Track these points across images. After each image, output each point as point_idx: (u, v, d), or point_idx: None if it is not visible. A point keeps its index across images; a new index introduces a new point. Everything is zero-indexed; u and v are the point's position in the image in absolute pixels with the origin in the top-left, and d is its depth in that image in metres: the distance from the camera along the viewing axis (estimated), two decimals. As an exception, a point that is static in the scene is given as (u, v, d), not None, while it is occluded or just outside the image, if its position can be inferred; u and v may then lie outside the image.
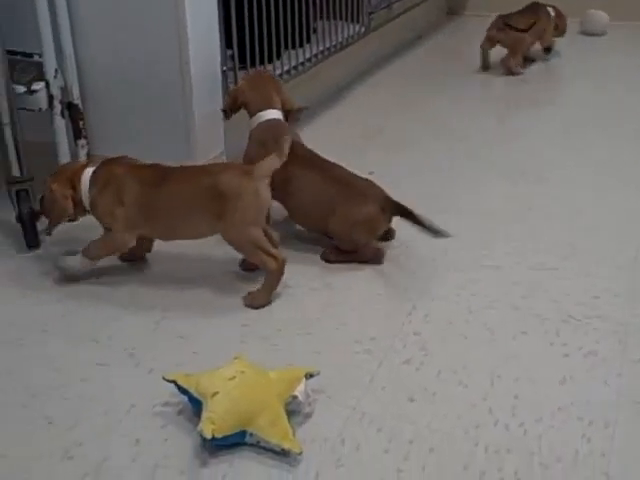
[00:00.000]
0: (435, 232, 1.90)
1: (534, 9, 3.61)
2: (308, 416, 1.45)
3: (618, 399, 1.50)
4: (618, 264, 1.96)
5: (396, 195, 1.97)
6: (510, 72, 3.51)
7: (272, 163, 1.76)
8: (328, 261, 1.97)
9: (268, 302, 1.78)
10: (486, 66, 3.59)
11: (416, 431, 1.42)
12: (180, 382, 1.45)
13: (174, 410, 1.47)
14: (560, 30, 3.71)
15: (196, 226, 1.80)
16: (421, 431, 1.42)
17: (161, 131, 2.20)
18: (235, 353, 1.51)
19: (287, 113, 2.10)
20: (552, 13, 3.64)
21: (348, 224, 1.92)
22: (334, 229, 1.95)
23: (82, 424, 1.45)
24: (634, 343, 1.66)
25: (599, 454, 1.37)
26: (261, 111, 2.05)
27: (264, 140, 2.00)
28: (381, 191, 1.97)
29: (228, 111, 2.12)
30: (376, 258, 1.96)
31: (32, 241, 2.04)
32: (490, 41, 3.53)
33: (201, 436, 1.33)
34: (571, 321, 1.73)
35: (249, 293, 1.79)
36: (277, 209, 2.04)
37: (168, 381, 1.46)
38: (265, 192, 1.76)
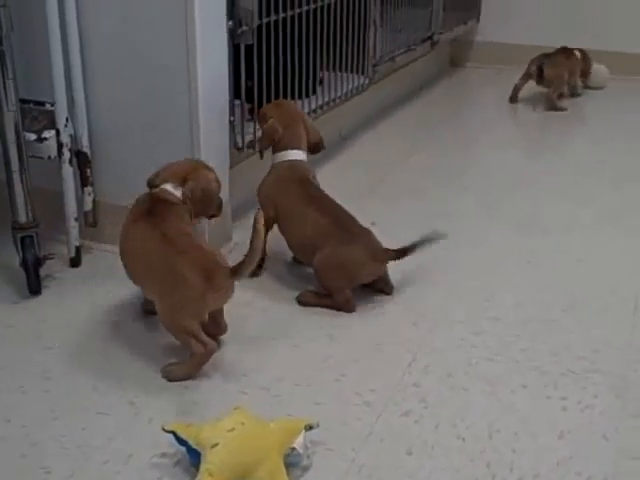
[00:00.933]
0: (431, 239, 1.98)
1: (565, 52, 3.85)
2: (306, 468, 1.45)
3: (616, 454, 1.50)
4: (618, 317, 1.97)
5: (397, 245, 1.99)
6: (554, 107, 3.71)
7: (248, 267, 1.70)
8: (300, 303, 2.00)
9: (187, 377, 1.71)
10: (514, 99, 3.87)
11: (414, 485, 1.42)
12: (179, 433, 1.45)
13: (171, 461, 1.47)
14: (584, 73, 3.94)
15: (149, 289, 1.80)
16: (419, 485, 1.42)
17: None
18: (235, 404, 1.52)
19: (312, 146, 2.22)
20: (579, 56, 3.88)
21: (330, 263, 1.95)
22: (317, 266, 1.97)
23: (79, 474, 1.45)
24: (633, 398, 1.66)
25: (598, 511, 1.36)
26: (289, 149, 2.15)
27: (282, 179, 2.12)
28: (375, 241, 2.00)
29: (263, 150, 2.20)
30: (347, 307, 1.97)
31: (35, 287, 2.06)
32: (526, 77, 3.81)
33: None
34: (570, 375, 1.74)
35: (169, 364, 1.73)
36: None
37: (167, 431, 1.46)
38: (229, 290, 1.73)
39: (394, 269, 2.03)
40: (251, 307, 2.00)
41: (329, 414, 1.60)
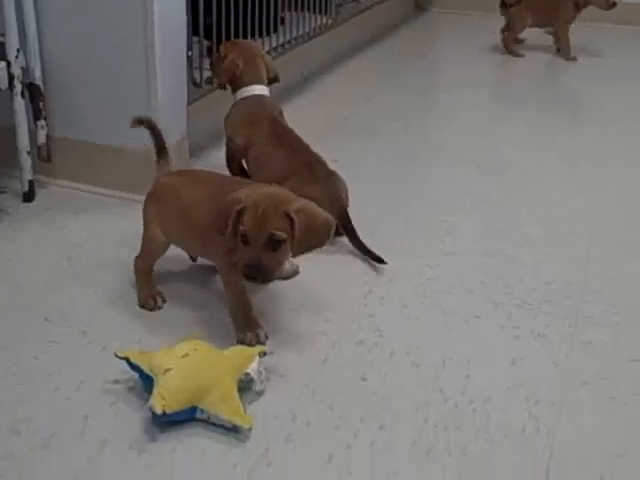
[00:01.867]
0: (373, 257, 1.90)
1: None
2: (260, 394, 1.45)
3: (566, 380, 1.52)
4: (571, 253, 1.99)
5: (359, 185, 1.99)
6: (509, 51, 3.71)
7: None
8: None
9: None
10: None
11: (367, 409, 1.43)
12: (132, 359, 1.44)
13: (124, 387, 1.47)
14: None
15: None
16: (372, 409, 1.43)
17: (123, 115, 2.18)
18: (188, 334, 1.51)
19: (270, 81, 2.21)
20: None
21: None
22: None
23: (30, 401, 1.44)
24: (583, 327, 1.68)
25: (545, 432, 1.39)
26: (252, 84, 2.13)
27: (250, 114, 2.10)
28: (337, 189, 1.98)
29: (224, 85, 2.19)
30: None
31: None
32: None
33: (151, 412, 1.33)
34: (524, 306, 1.75)
35: None
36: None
37: (120, 358, 1.45)
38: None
39: (352, 200, 2.02)
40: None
41: (283, 343, 1.60)
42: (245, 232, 1.47)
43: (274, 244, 1.47)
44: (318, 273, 1.86)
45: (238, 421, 1.35)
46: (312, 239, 1.50)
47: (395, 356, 1.58)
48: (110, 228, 2.04)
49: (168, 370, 1.37)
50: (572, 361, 1.57)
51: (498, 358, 1.58)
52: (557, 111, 3.10)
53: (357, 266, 1.90)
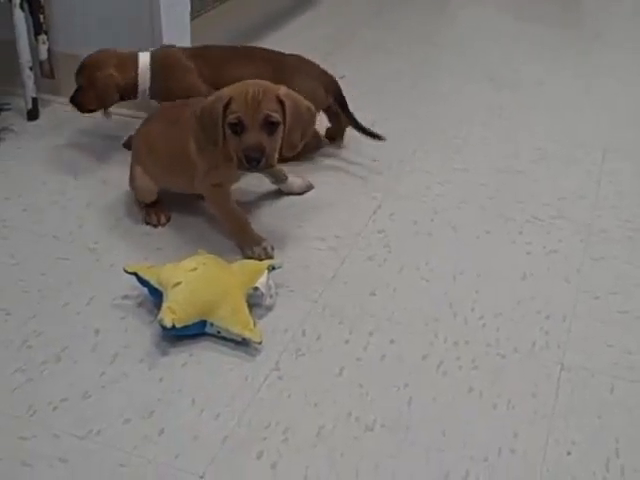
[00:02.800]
0: (371, 134, 1.90)
1: None
2: (269, 308, 1.45)
3: (577, 294, 1.51)
4: (584, 168, 1.96)
5: (367, 101, 1.94)
6: None
7: None
8: None
9: None
10: None
11: (376, 323, 1.43)
12: (141, 274, 1.44)
13: (134, 303, 1.47)
14: None
15: None
16: (381, 323, 1.43)
17: (125, 27, 2.12)
18: (198, 249, 1.50)
19: None
20: None
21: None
22: None
23: (41, 316, 1.44)
24: (595, 242, 1.67)
25: (555, 346, 1.38)
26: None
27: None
28: (317, 67, 1.92)
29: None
30: (317, 142, 1.95)
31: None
32: None
33: (161, 325, 1.33)
34: (535, 221, 1.73)
35: None
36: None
37: (129, 273, 1.45)
38: None
39: (361, 117, 1.98)
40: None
41: (292, 259, 1.59)
42: (239, 118, 1.45)
43: (270, 127, 1.46)
44: (325, 190, 1.84)
45: (248, 335, 1.35)
46: (300, 124, 1.50)
47: (404, 271, 1.57)
48: (115, 146, 2.01)
49: (177, 284, 1.37)
50: (584, 276, 1.56)
51: (509, 273, 1.57)
52: (572, 27, 3.02)
53: (366, 182, 1.88)
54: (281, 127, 1.48)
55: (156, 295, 1.42)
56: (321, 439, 1.20)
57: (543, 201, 1.81)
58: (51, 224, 1.70)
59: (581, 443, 1.20)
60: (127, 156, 1.79)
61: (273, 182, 1.79)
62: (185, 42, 2.20)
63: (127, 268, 1.45)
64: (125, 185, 1.76)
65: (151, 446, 1.18)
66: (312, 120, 1.55)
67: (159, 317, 1.33)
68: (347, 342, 1.39)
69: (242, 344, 1.36)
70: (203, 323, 1.37)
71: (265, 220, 1.72)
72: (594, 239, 1.68)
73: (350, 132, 1.97)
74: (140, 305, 1.46)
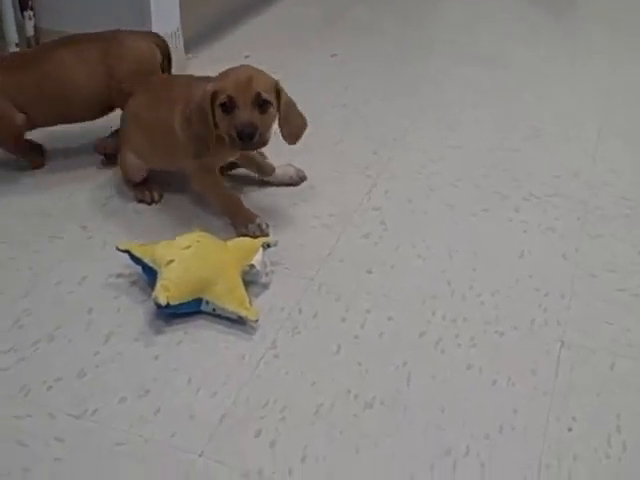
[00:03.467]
0: None
1: None
2: (265, 286, 1.43)
3: (575, 272, 1.50)
4: (580, 146, 1.95)
5: (360, 80, 1.90)
6: None
7: None
8: None
9: None
10: None
11: (373, 301, 1.42)
12: (134, 252, 1.41)
13: (127, 282, 1.44)
14: None
15: None
16: (378, 301, 1.42)
17: (113, 5, 2.09)
18: (193, 227, 1.48)
19: None
20: None
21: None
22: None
23: (33, 294, 1.41)
24: (592, 220, 1.66)
25: (555, 323, 1.37)
26: None
27: None
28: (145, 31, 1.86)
29: None
30: None
31: None
32: None
33: (155, 303, 1.31)
34: (531, 199, 1.72)
35: None
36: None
37: (122, 251, 1.42)
38: None
39: (353, 96, 1.96)
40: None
41: (287, 237, 1.57)
42: (229, 97, 1.43)
43: (262, 105, 1.45)
44: (319, 169, 1.82)
45: (244, 313, 1.33)
46: (295, 118, 1.52)
47: (401, 249, 1.56)
48: (105, 121, 1.98)
49: (171, 261, 1.35)
50: (581, 253, 1.55)
51: (506, 251, 1.56)
52: (565, 7, 3.00)
53: (360, 160, 1.86)
54: (273, 108, 1.47)
55: (150, 273, 1.39)
56: (319, 417, 1.18)
57: (539, 179, 1.79)
58: (41, 201, 1.67)
59: (582, 420, 1.19)
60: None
61: (260, 176, 1.74)
62: (175, 19, 2.17)
63: (120, 246, 1.43)
64: (116, 164, 1.73)
65: (148, 425, 1.16)
66: (305, 121, 1.56)
67: (153, 295, 1.31)
68: (344, 320, 1.37)
69: (238, 322, 1.34)
70: (198, 301, 1.35)
71: (259, 199, 1.69)
72: (591, 217, 1.67)
73: (351, 114, 1.95)
74: (133, 284, 1.44)
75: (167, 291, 1.31)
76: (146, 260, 1.39)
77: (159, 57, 1.78)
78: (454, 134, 1.99)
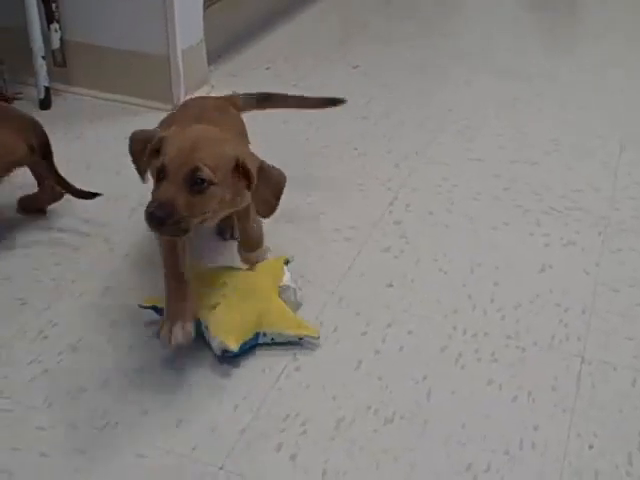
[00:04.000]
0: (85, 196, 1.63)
1: None
2: (299, 303, 1.41)
3: (595, 287, 1.50)
4: (601, 159, 1.94)
5: (380, 91, 1.91)
6: None
7: None
8: None
9: None
10: None
11: (394, 315, 1.42)
12: (161, 306, 1.32)
13: (150, 294, 1.45)
14: None
15: None
16: (399, 315, 1.42)
17: (138, 17, 2.11)
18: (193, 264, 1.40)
19: None
20: None
21: None
22: None
23: (56, 306, 1.43)
24: (613, 234, 1.65)
25: (575, 338, 1.37)
26: None
27: None
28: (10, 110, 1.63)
29: None
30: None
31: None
32: None
33: (223, 352, 1.26)
34: (552, 213, 1.72)
35: None
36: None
37: (145, 308, 1.36)
38: None
39: (374, 107, 1.96)
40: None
41: (308, 249, 1.58)
42: (162, 163, 1.17)
43: (196, 184, 1.16)
44: (340, 182, 1.83)
45: (305, 333, 1.32)
46: (263, 192, 1.25)
47: (422, 263, 1.56)
48: (128, 136, 1.99)
49: (216, 304, 1.30)
50: (602, 268, 1.55)
51: (527, 265, 1.56)
52: (584, 17, 2.99)
53: (381, 173, 1.86)
54: (214, 188, 1.18)
55: None
56: (340, 432, 1.19)
57: (559, 193, 1.79)
58: (63, 214, 1.69)
59: (603, 436, 1.18)
60: None
61: (238, 249, 1.47)
62: (198, 31, 2.18)
63: (143, 303, 1.36)
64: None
65: (169, 437, 1.17)
66: (283, 186, 1.28)
67: (218, 344, 1.26)
68: (364, 334, 1.38)
69: (298, 344, 1.33)
70: (257, 335, 1.31)
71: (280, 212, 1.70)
72: (612, 231, 1.66)
73: (372, 126, 1.95)
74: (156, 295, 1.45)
75: (230, 334, 1.26)
76: None
77: (23, 147, 1.53)
78: (475, 146, 1.99)
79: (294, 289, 1.40)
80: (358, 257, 1.57)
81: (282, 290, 1.38)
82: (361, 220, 1.68)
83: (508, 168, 1.89)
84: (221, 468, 1.13)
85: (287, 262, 1.45)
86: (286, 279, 1.40)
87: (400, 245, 1.61)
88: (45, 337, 1.35)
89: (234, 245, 1.50)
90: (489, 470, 1.13)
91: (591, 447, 1.17)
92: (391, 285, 1.50)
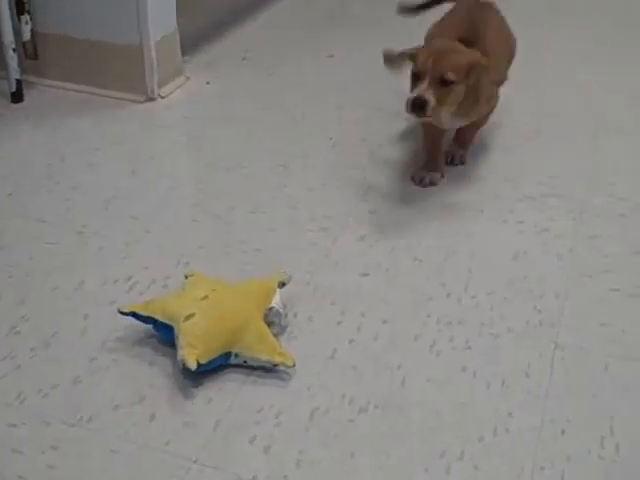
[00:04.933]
0: None
1: None
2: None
3: (570, 273, 1.50)
4: (578, 147, 1.95)
5: (356, 79, 1.89)
6: None
7: None
8: None
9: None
10: None
11: (369, 304, 1.42)
12: (141, 312, 1.31)
13: (124, 287, 1.45)
14: None
15: None
16: (374, 304, 1.42)
17: (110, 8, 2.09)
18: (185, 270, 1.43)
19: None
20: None
21: None
22: None
23: (29, 300, 1.42)
24: (587, 221, 1.66)
25: (549, 325, 1.38)
26: None
27: None
28: None
29: None
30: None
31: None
32: None
33: (183, 366, 1.21)
34: (527, 200, 1.72)
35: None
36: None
37: (125, 314, 1.32)
38: None
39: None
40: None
41: (283, 240, 1.58)
42: (418, 69, 1.55)
43: (442, 83, 1.54)
44: (315, 171, 1.82)
45: (278, 360, 1.26)
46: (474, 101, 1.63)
47: (396, 251, 1.56)
48: (101, 128, 1.99)
49: (191, 316, 1.25)
50: (576, 254, 1.55)
51: (501, 252, 1.56)
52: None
53: (354, 164, 1.86)
54: (458, 86, 1.55)
55: (165, 330, 1.29)
56: (314, 422, 1.19)
57: (535, 179, 1.79)
58: (37, 207, 1.67)
59: (576, 422, 1.19)
60: (113, 136, 1.76)
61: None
62: (171, 21, 2.17)
63: (123, 309, 1.32)
64: (111, 166, 1.73)
65: (142, 432, 1.16)
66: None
67: (180, 357, 1.22)
68: (339, 323, 1.38)
69: (272, 370, 1.27)
70: (227, 355, 1.26)
71: (255, 200, 1.70)
72: (586, 217, 1.67)
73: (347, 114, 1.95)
74: (130, 290, 1.44)
75: (195, 349, 1.22)
76: (157, 317, 1.29)
77: None
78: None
79: (281, 313, 1.34)
80: (333, 246, 1.57)
81: (268, 312, 1.33)
82: (336, 210, 1.68)
83: (482, 156, 1.89)
84: (195, 461, 1.12)
85: (282, 285, 1.37)
86: (275, 301, 1.34)
87: (375, 234, 1.61)
88: (18, 332, 1.34)
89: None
90: (463, 457, 1.14)
91: (564, 432, 1.18)
92: (366, 274, 1.50)
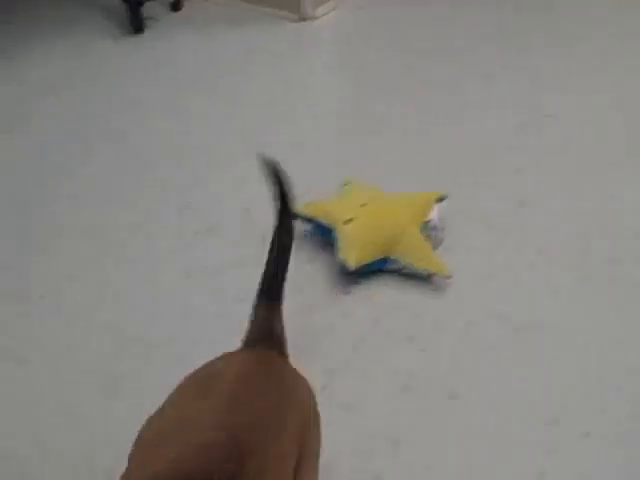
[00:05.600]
0: None
1: None
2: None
3: None
4: None
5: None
6: None
7: None
8: None
9: None
10: None
11: (525, 234, 1.38)
12: (303, 213, 1.31)
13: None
14: None
15: None
16: (530, 234, 1.39)
17: None
18: (345, 177, 1.40)
19: None
20: None
21: None
22: None
23: (195, 191, 1.46)
24: None
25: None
26: None
27: None
28: None
29: None
30: None
31: (137, 25, 2.02)
32: None
33: (342, 266, 1.23)
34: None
35: None
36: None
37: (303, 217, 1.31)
38: None
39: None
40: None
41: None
42: None
43: None
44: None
45: (434, 269, 1.26)
46: None
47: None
48: (255, 42, 2.01)
49: (350, 220, 1.26)
50: None
51: None
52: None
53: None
54: None
55: (324, 230, 1.31)
56: (469, 334, 1.18)
57: None
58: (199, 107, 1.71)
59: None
60: (272, 52, 1.75)
61: None
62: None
63: (299, 213, 1.28)
64: (268, 78, 1.73)
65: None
66: None
67: (340, 257, 1.24)
68: (494, 247, 1.34)
69: (425, 280, 1.26)
70: (384, 260, 1.27)
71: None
72: None
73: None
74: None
75: (355, 251, 1.24)
76: (319, 218, 1.31)
77: None
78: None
79: (438, 226, 1.33)
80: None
81: (425, 225, 1.32)
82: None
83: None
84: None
85: (441, 199, 1.35)
86: (433, 215, 1.33)
87: (531, 168, 1.56)
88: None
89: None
90: None
91: None
92: (522, 205, 1.47)
